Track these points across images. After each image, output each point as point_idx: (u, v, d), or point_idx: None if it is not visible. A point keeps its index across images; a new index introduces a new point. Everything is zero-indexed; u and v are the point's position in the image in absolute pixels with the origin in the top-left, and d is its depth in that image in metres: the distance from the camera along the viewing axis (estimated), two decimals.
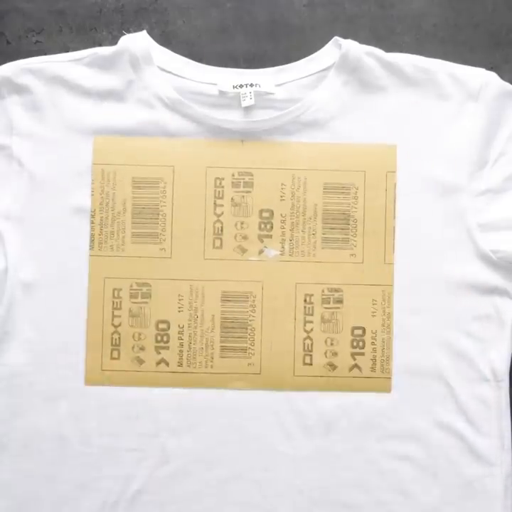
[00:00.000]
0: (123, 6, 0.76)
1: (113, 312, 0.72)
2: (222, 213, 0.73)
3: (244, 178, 0.73)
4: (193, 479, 0.71)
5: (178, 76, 0.74)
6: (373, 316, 0.72)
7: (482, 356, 0.71)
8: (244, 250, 0.73)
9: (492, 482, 0.70)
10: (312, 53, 0.74)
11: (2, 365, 0.71)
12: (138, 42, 0.73)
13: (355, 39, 0.73)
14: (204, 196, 0.73)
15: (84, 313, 0.72)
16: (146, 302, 0.72)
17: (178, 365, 0.72)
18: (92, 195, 0.72)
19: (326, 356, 0.72)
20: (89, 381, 0.72)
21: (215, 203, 0.73)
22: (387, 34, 0.75)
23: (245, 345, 0.72)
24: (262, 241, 0.72)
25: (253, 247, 0.73)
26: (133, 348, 0.72)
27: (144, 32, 0.74)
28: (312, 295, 0.72)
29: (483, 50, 0.75)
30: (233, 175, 0.73)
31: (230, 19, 0.76)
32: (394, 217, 0.72)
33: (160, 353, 0.72)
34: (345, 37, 0.73)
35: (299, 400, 0.71)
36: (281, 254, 0.72)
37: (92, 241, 0.72)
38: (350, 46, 0.73)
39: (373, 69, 0.73)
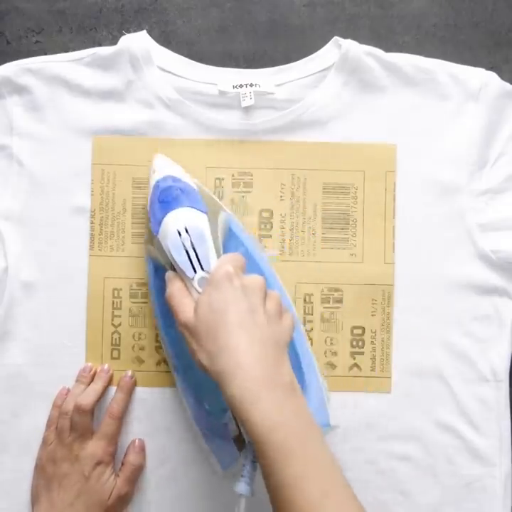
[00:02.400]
0: (123, 6, 0.76)
1: (113, 312, 0.72)
2: None
3: (243, 178, 0.73)
4: (192, 479, 0.71)
5: (178, 76, 0.73)
6: (373, 315, 0.72)
7: (482, 356, 0.71)
8: None
9: (492, 482, 0.70)
10: (312, 53, 0.74)
11: (2, 365, 0.71)
12: (138, 42, 0.73)
13: (355, 39, 0.73)
14: None
15: (84, 313, 0.72)
16: (146, 302, 0.72)
17: None
18: (92, 195, 0.73)
19: (325, 356, 0.72)
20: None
21: None
22: (387, 34, 0.75)
23: None
24: (261, 241, 0.72)
25: None
26: (133, 347, 0.72)
27: (144, 32, 0.74)
28: (312, 294, 0.72)
29: (483, 50, 0.75)
30: (233, 175, 0.73)
31: (230, 19, 0.76)
32: (394, 217, 0.72)
33: (159, 352, 0.72)
34: (345, 37, 0.73)
35: None
36: (280, 254, 0.72)
37: (91, 241, 0.72)
38: (350, 46, 0.72)
39: (373, 69, 0.73)
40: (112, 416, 0.69)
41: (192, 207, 0.64)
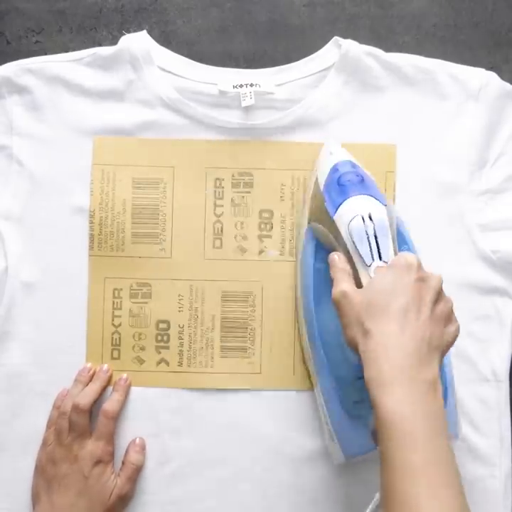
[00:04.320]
0: (123, 6, 0.76)
1: (113, 312, 0.72)
2: (222, 213, 0.73)
3: (244, 179, 0.73)
4: (193, 479, 0.71)
5: (178, 76, 0.74)
6: None
7: (482, 356, 0.71)
8: (244, 250, 0.73)
9: (492, 482, 0.70)
10: (312, 53, 0.74)
11: (2, 365, 0.71)
12: (138, 42, 0.73)
13: (355, 39, 0.73)
14: (204, 196, 0.73)
15: (85, 313, 0.72)
16: (146, 302, 0.72)
17: (178, 365, 0.72)
18: (92, 195, 0.72)
19: None
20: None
21: (215, 204, 0.73)
22: (387, 34, 0.75)
23: (245, 345, 0.72)
24: (261, 241, 0.72)
25: (253, 247, 0.73)
26: (133, 347, 0.72)
27: (144, 32, 0.74)
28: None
29: (483, 50, 0.75)
30: (233, 175, 0.73)
31: (230, 19, 0.76)
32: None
33: (160, 352, 0.72)
34: (345, 37, 0.73)
35: (298, 400, 0.71)
36: (281, 255, 0.72)
37: (91, 241, 0.72)
38: (350, 46, 0.73)
39: (373, 69, 0.73)
40: (107, 415, 0.69)
41: (373, 196, 0.63)
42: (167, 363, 0.72)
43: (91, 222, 0.72)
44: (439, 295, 0.59)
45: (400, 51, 0.74)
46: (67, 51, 0.75)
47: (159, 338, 0.72)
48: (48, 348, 0.71)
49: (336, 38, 0.74)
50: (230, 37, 0.76)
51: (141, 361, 0.72)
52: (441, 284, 0.59)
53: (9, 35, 0.76)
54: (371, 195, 0.63)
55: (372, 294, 0.57)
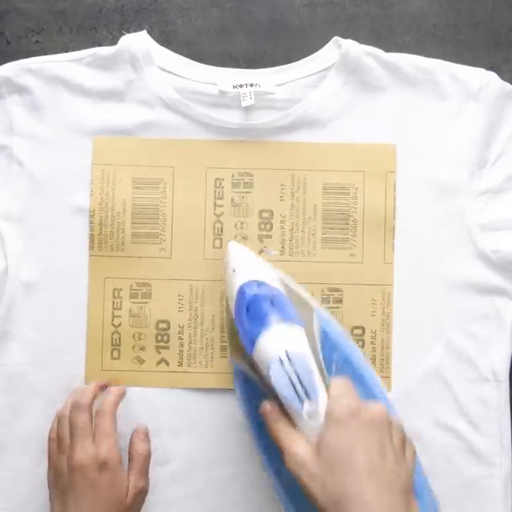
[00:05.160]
0: (123, 6, 0.76)
1: (113, 312, 0.72)
2: (222, 213, 0.73)
3: (244, 179, 0.73)
4: (193, 479, 0.71)
5: (178, 76, 0.74)
6: (373, 315, 0.72)
7: (482, 356, 0.71)
8: None
9: (492, 482, 0.70)
10: (312, 53, 0.74)
11: (2, 365, 0.71)
12: (138, 42, 0.73)
13: (355, 39, 0.73)
14: (204, 196, 0.73)
15: (85, 314, 0.72)
16: (146, 302, 0.72)
17: (178, 365, 0.72)
18: (92, 195, 0.73)
19: None
20: (90, 381, 0.71)
21: (215, 204, 0.73)
22: (387, 34, 0.75)
23: None
24: (261, 241, 0.73)
25: (253, 247, 0.72)
26: (133, 347, 0.72)
27: (144, 32, 0.74)
28: (312, 295, 0.72)
29: (483, 50, 0.75)
30: (233, 175, 0.73)
31: (230, 19, 0.76)
32: (393, 217, 0.72)
33: (160, 352, 0.72)
34: (345, 37, 0.73)
35: None
36: (281, 254, 0.72)
37: (91, 241, 0.72)
38: (350, 46, 0.73)
39: (373, 69, 0.73)
40: (102, 413, 0.67)
41: (286, 321, 0.59)
42: (167, 363, 0.72)
43: (91, 222, 0.72)
44: (390, 427, 0.55)
45: (400, 51, 0.74)
46: (67, 51, 0.75)
47: (159, 338, 0.72)
48: (48, 348, 0.72)
49: (336, 38, 0.74)
50: (230, 37, 0.76)
51: (141, 361, 0.72)
52: (386, 412, 0.55)
53: (9, 35, 0.76)
54: (284, 319, 0.59)
55: (330, 457, 0.53)
